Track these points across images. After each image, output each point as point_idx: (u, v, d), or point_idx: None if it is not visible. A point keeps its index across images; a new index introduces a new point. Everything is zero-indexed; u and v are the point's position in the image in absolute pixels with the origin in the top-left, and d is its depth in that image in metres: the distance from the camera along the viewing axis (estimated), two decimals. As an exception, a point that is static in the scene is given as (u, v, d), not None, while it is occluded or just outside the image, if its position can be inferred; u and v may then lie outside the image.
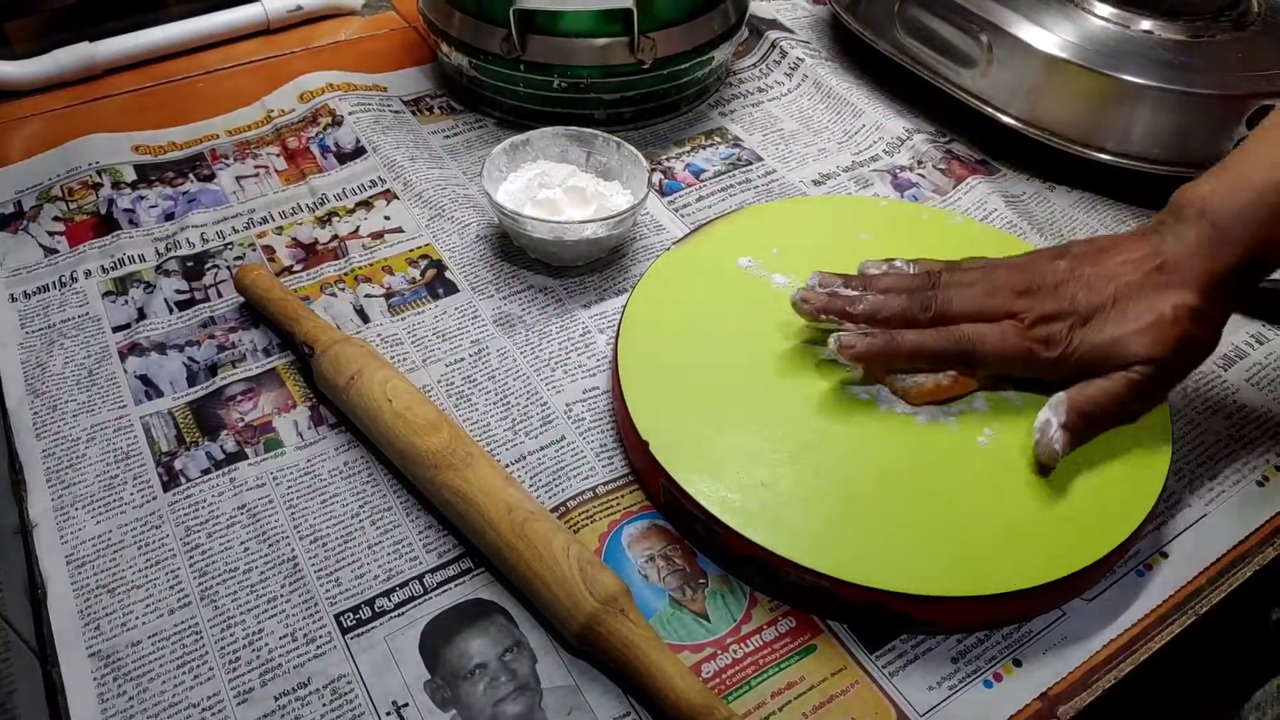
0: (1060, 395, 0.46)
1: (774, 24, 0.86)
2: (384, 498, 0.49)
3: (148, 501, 0.48)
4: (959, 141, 0.73)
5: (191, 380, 0.54)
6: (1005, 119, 0.68)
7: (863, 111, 0.76)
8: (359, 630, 0.44)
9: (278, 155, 0.70)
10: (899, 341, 0.48)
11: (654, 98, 0.73)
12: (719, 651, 0.43)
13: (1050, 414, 0.46)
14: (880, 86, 0.79)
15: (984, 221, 0.65)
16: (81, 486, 0.49)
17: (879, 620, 0.44)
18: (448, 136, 0.73)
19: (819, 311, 0.50)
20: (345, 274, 0.61)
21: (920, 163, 0.71)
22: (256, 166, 0.69)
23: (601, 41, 0.67)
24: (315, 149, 0.70)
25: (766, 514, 0.44)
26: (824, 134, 0.74)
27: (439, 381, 0.54)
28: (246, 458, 0.50)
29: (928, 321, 0.48)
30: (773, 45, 0.83)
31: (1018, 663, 0.43)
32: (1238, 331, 0.58)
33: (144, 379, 0.54)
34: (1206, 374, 0.56)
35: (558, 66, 0.68)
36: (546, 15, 0.66)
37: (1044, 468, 0.46)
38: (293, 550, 0.46)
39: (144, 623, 0.44)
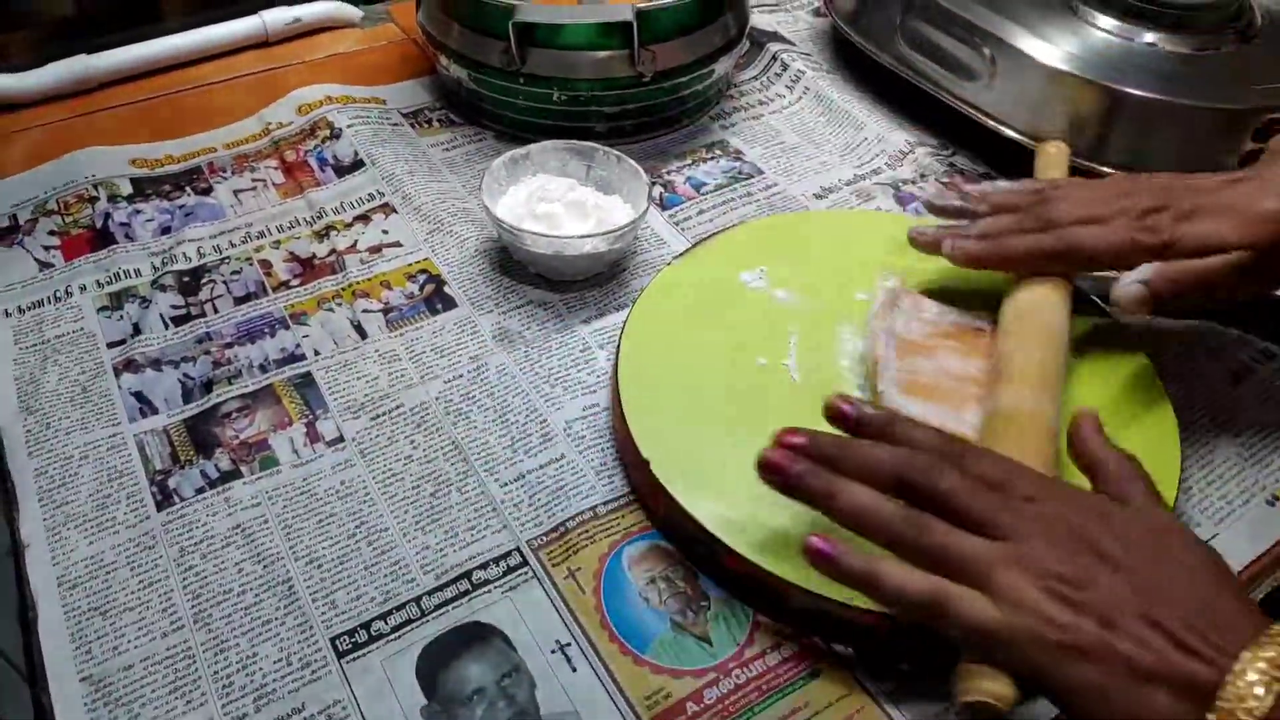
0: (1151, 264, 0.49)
1: (775, 36, 0.85)
2: (380, 518, 0.48)
3: (141, 521, 0.48)
4: (962, 155, 0.73)
5: (187, 397, 0.54)
6: (1009, 132, 0.68)
7: (864, 124, 0.75)
8: (355, 654, 0.43)
9: (275, 168, 0.70)
10: (1011, 245, 0.51)
11: (654, 111, 0.72)
12: (722, 676, 0.42)
13: (1135, 274, 0.49)
14: (882, 99, 0.78)
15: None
16: (74, 505, 0.48)
17: (884, 643, 0.43)
18: (447, 149, 0.72)
19: (933, 245, 0.54)
20: (343, 289, 0.60)
21: (923, 176, 0.71)
22: (254, 180, 0.69)
23: (601, 54, 0.67)
24: (313, 162, 0.70)
25: (770, 535, 0.43)
26: (826, 147, 0.74)
27: (437, 398, 0.54)
28: (241, 476, 0.50)
29: (1039, 230, 0.51)
30: (774, 58, 0.82)
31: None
32: (1245, 348, 0.58)
33: (138, 396, 0.54)
34: (1215, 390, 0.55)
35: (557, 79, 0.68)
36: (546, 28, 0.66)
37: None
38: (288, 571, 0.46)
39: (136, 646, 0.43)
